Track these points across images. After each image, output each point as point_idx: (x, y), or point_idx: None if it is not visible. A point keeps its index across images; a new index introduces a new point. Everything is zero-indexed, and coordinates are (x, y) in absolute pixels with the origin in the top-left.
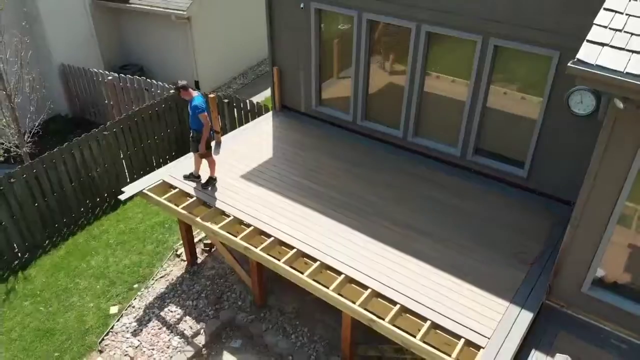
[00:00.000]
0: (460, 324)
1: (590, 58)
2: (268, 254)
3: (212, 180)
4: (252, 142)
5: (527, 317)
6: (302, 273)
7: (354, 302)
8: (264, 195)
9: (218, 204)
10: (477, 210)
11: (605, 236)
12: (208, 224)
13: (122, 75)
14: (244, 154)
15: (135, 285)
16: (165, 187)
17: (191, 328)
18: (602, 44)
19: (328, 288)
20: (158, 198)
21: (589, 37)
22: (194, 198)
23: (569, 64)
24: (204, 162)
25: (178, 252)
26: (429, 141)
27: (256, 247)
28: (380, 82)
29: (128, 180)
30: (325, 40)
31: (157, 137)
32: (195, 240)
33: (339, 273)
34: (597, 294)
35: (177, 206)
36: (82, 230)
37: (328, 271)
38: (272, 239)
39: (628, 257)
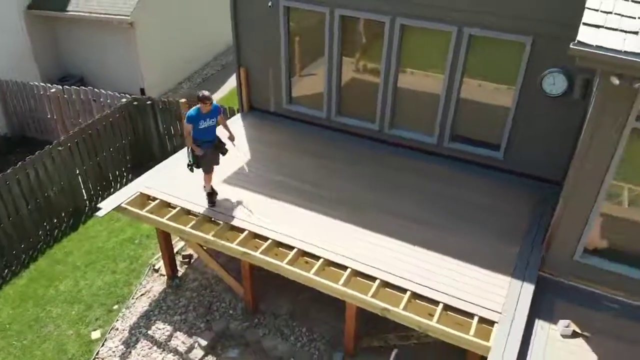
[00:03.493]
0: (472, 303)
1: (590, 39)
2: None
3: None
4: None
5: (529, 288)
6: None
7: (365, 294)
8: (250, 198)
9: (205, 212)
10: (462, 195)
11: (595, 208)
12: (200, 234)
13: (67, 86)
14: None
15: (115, 307)
16: (143, 199)
17: (184, 343)
18: (598, 26)
19: (337, 283)
20: (139, 211)
21: (584, 20)
22: (177, 208)
23: (570, 45)
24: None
25: (156, 267)
26: (406, 132)
27: (254, 252)
28: (353, 76)
29: (85, 197)
30: (294, 38)
31: (112, 149)
32: None
33: (344, 268)
34: (588, 261)
35: (161, 218)
36: (43, 255)
37: (331, 267)
38: (269, 241)
39: (615, 223)
